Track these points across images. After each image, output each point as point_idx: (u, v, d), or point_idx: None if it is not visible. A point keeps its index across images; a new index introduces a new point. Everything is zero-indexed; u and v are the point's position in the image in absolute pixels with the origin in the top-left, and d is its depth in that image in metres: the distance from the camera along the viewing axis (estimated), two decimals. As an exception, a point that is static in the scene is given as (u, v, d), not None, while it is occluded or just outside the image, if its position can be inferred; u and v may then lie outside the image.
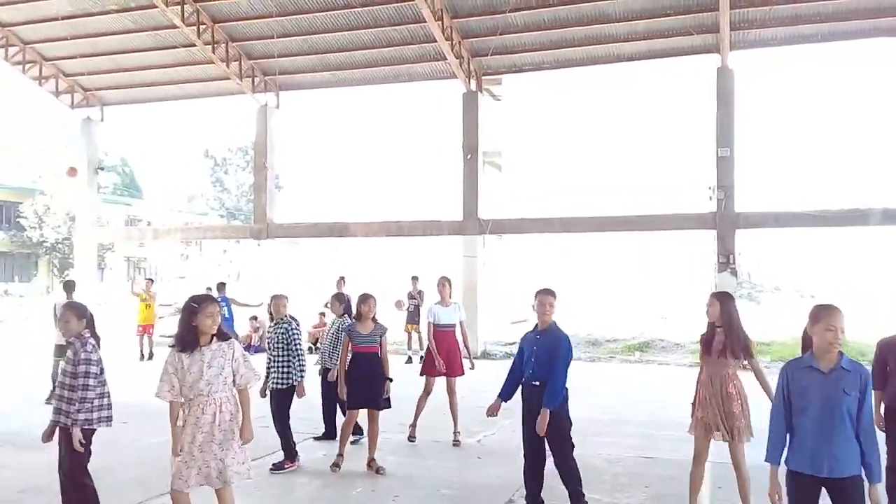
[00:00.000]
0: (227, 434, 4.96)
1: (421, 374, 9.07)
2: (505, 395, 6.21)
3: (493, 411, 6.18)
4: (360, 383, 7.46)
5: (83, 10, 18.65)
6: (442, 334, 8.98)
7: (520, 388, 6.14)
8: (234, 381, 5.06)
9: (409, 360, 16.10)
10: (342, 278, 16.17)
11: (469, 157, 18.97)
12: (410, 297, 17.13)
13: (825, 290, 29.30)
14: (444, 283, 9.21)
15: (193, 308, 5.01)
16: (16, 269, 43.88)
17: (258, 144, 21.24)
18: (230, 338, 5.14)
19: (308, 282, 23.45)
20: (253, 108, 20.96)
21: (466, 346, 9.20)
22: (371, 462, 7.57)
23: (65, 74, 21.69)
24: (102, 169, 24.11)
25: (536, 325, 6.18)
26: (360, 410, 7.61)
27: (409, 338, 17.07)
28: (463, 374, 9.09)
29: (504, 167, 34.87)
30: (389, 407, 7.64)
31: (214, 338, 5.03)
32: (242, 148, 56.25)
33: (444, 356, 8.85)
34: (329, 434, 8.75)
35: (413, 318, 16.77)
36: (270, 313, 8.15)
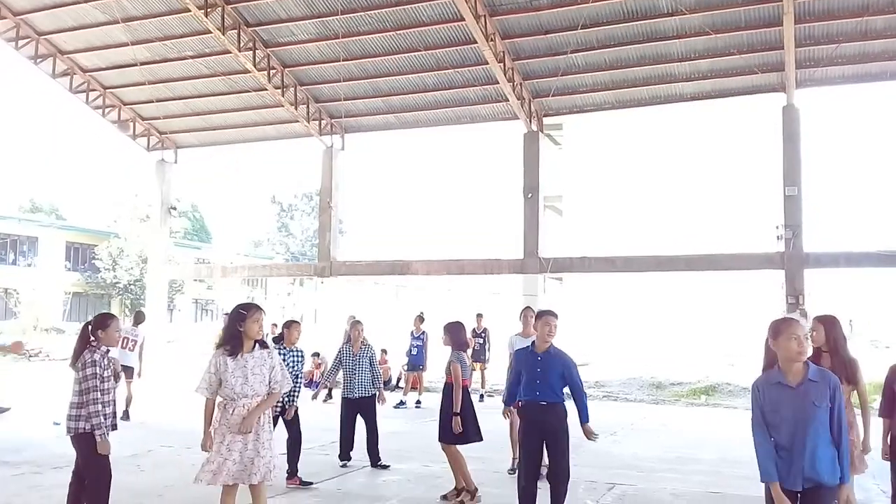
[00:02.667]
0: (259, 435, 5.24)
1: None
2: (508, 405, 6.84)
3: (507, 414, 7.07)
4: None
5: (161, 56, 19.62)
6: None
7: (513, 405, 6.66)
8: (269, 386, 5.33)
9: (481, 399, 15.95)
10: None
11: (530, 196, 19.06)
12: (475, 334, 16.88)
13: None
14: (527, 313, 8.95)
15: (241, 315, 5.29)
16: (90, 309, 45.45)
17: (324, 184, 21.77)
18: (268, 346, 5.44)
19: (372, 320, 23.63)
20: (319, 150, 21.55)
21: None
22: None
23: (142, 118, 22.71)
24: (174, 209, 24.96)
25: (532, 344, 6.53)
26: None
27: (482, 376, 16.78)
28: None
29: (565, 212, 34.88)
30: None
31: (257, 345, 5.30)
32: (308, 194, 57.69)
33: None
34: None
35: (479, 356, 16.44)
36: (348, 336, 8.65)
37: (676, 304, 24.89)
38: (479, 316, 17.10)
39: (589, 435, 6.19)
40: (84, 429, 5.41)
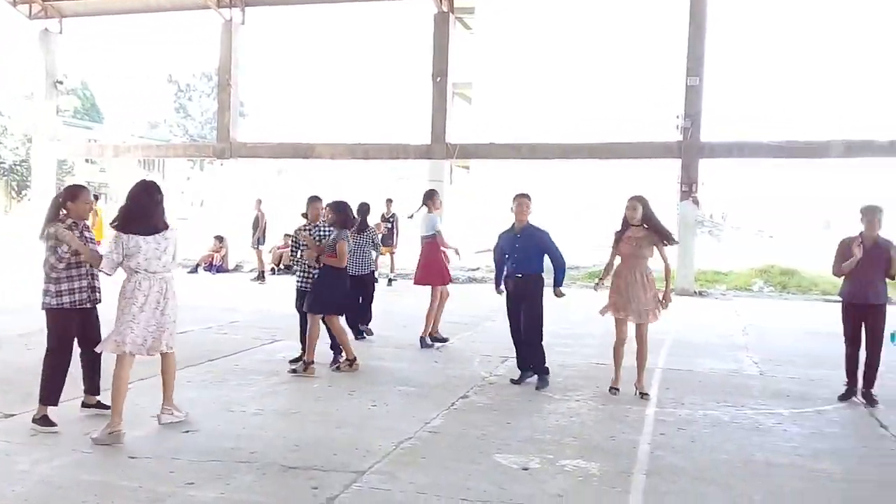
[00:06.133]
0: (165, 307, 5.38)
1: (437, 284, 9.37)
2: (498, 284, 7.63)
3: (499, 290, 7.61)
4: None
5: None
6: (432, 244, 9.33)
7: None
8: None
9: (390, 283, 16.29)
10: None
11: (438, 79, 18.72)
12: (384, 219, 16.85)
13: (784, 227, 29.92)
14: (432, 194, 9.59)
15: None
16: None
17: (222, 61, 20.69)
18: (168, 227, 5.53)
19: (274, 204, 23.19)
20: (217, 23, 20.36)
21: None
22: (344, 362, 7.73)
23: (19, -18, 20.80)
24: (61, 83, 23.32)
25: (513, 225, 7.37)
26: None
27: (392, 260, 17.01)
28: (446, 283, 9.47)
29: (474, 99, 34.56)
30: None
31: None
32: (207, 73, 54.88)
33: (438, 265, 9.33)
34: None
35: (388, 240, 16.42)
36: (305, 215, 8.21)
37: (581, 190, 25.46)
38: (389, 201, 17.10)
39: (558, 295, 7.30)
40: (49, 304, 5.42)
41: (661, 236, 6.94)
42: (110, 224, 5.39)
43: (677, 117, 17.01)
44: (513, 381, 7.33)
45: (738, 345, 10.21)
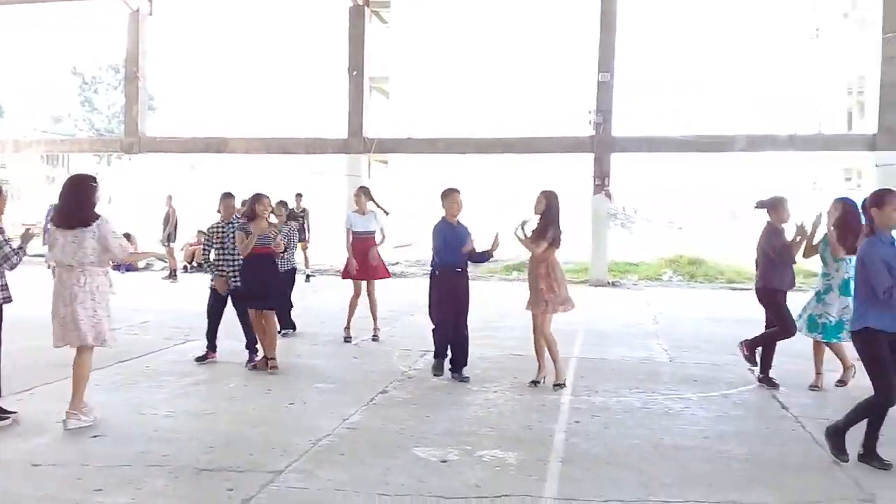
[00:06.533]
0: (75, 300, 5.44)
1: (343, 278, 9.50)
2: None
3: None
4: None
5: None
6: (359, 241, 9.22)
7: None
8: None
9: (308, 279, 16.09)
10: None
11: (355, 73, 18.55)
12: (295, 215, 16.65)
13: (692, 219, 31.04)
14: (359, 193, 9.50)
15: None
16: None
17: (129, 53, 19.95)
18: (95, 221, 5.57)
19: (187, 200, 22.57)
20: (124, 13, 19.64)
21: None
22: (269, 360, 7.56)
23: None
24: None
25: (444, 217, 7.29)
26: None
27: (305, 256, 16.79)
28: (382, 277, 9.49)
29: (391, 94, 34.43)
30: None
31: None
32: (115, 66, 52.80)
33: (361, 261, 9.14)
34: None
35: (300, 235, 16.33)
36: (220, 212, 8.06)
37: (498, 185, 25.75)
38: (299, 196, 16.87)
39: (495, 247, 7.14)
40: None
41: (536, 231, 7.04)
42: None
43: (589, 113, 17.41)
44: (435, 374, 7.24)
45: (649, 333, 10.54)
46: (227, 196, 8.08)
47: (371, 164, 22.20)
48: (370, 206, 9.45)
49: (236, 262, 7.71)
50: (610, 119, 17.14)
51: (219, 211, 8.07)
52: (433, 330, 7.29)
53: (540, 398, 6.63)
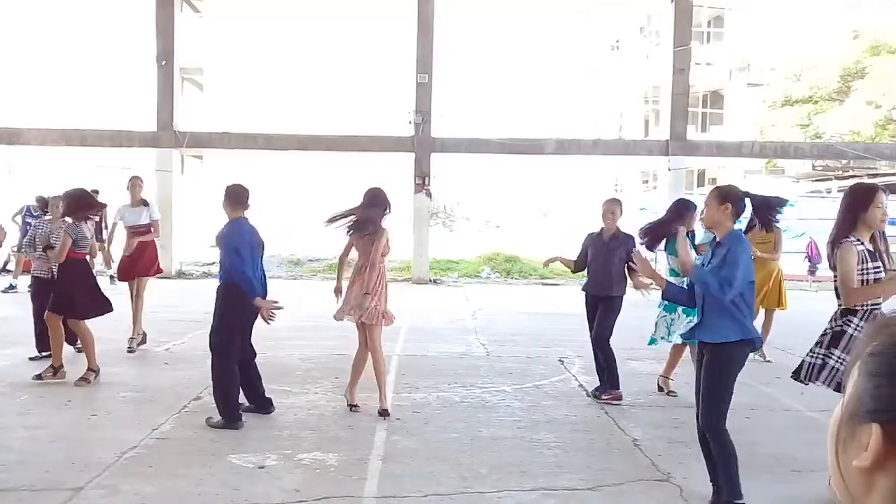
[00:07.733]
0: None
1: (120, 280, 8.88)
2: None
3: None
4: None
5: None
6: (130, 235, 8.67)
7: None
8: None
9: (112, 280, 15.00)
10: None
11: (164, 63, 17.57)
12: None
13: (508, 218, 32.35)
14: (133, 182, 9.16)
15: None
16: None
17: None
18: None
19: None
20: None
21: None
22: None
23: None
24: None
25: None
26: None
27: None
28: (153, 274, 8.88)
29: (205, 86, 32.94)
30: None
31: None
32: None
33: (134, 256, 8.59)
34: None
35: (98, 236, 15.25)
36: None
37: (318, 183, 25.40)
38: (95, 192, 15.70)
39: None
40: None
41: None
42: None
43: (409, 112, 17.63)
44: None
45: (468, 328, 10.85)
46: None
47: (185, 160, 21.18)
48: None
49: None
50: (429, 119, 17.45)
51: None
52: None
53: (362, 398, 6.60)
